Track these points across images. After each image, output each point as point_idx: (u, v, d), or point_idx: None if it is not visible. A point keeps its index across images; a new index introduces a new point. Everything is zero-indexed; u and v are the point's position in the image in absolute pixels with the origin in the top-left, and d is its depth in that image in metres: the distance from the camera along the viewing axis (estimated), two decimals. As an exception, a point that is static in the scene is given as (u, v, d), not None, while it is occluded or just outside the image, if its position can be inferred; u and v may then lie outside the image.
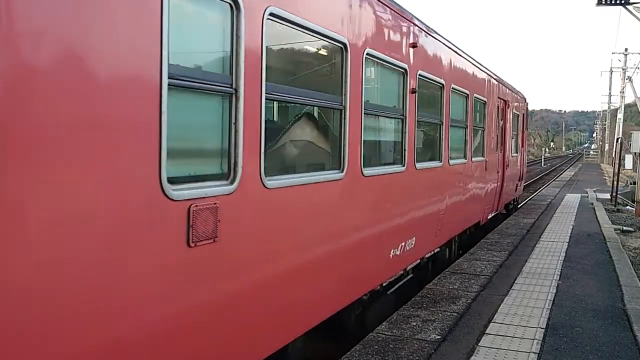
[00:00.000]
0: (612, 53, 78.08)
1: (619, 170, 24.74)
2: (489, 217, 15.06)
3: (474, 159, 12.34)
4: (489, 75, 14.00)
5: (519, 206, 21.48)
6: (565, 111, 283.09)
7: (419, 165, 8.42)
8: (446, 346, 6.36)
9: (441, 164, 9.75)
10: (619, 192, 24.01)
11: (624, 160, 30.61)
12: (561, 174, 46.82)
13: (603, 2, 23.58)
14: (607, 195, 25.24)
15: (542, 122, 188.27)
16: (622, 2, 23.50)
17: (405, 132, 7.88)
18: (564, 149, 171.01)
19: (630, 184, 29.25)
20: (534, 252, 11.80)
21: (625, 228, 16.52)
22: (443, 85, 9.60)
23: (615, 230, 15.58)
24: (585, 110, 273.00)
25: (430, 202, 9.32)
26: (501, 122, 15.60)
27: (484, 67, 13.37)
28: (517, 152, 18.73)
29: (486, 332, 6.82)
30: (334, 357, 6.46)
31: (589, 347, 6.47)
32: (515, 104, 18.11)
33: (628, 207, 22.82)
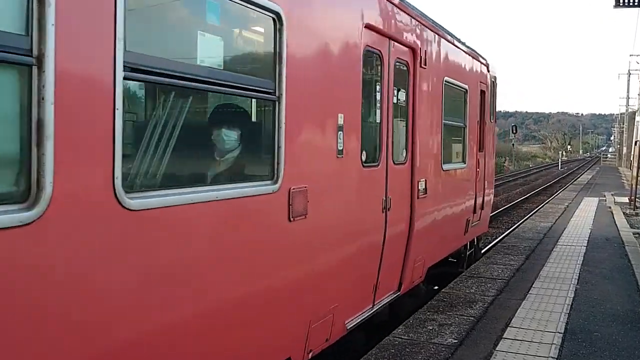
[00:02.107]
0: (630, 55, 77.42)
1: (637, 173, 24.45)
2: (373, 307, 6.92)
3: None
4: None
5: (482, 251, 13.36)
6: (582, 114, 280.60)
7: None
8: (463, 350, 6.32)
9: None
10: (637, 196, 23.72)
11: (643, 163, 30.19)
12: (578, 178, 46.40)
13: (621, 4, 23.35)
14: (626, 199, 24.95)
15: (558, 125, 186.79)
16: (641, 3, 23.25)
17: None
18: (581, 152, 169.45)
19: (649, 187, 28.88)
20: (551, 256, 11.70)
21: (644, 232, 16.31)
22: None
23: (634, 234, 15.39)
24: (603, 113, 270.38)
25: None
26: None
27: None
28: (464, 162, 10.15)
29: (503, 336, 6.77)
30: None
31: (608, 352, 6.40)
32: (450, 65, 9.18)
33: (647, 210, 22.52)
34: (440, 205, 8.76)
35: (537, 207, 24.47)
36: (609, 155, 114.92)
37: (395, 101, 7.00)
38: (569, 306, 8.08)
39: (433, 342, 6.50)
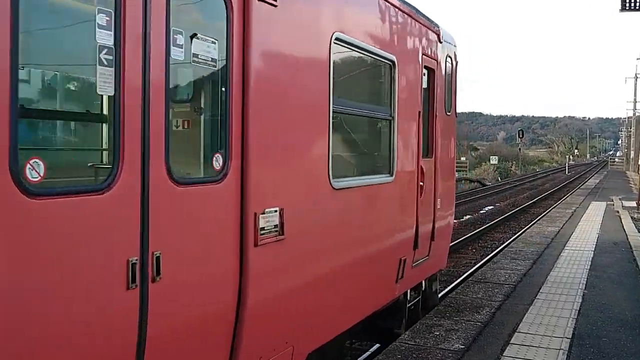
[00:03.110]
0: (637, 59, 76.96)
1: (645, 177, 24.31)
2: None
3: None
4: None
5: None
6: (589, 118, 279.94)
7: None
8: (470, 356, 6.30)
9: None
10: (645, 200, 23.58)
11: (651, 167, 30.06)
12: (586, 182, 46.20)
13: (627, 8, 23.28)
14: (634, 203, 24.81)
15: (565, 129, 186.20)
16: (647, 7, 23.18)
17: None
18: (588, 156, 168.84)
19: (657, 191, 28.71)
20: (558, 261, 11.64)
21: (652, 236, 16.21)
22: None
23: (642, 238, 15.30)
24: (610, 117, 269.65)
25: None
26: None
27: None
28: (390, 174, 6.74)
29: (511, 342, 6.74)
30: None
31: (616, 357, 6.36)
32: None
33: (655, 215, 22.39)
34: (326, 249, 5.30)
35: (544, 211, 24.37)
36: (616, 160, 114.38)
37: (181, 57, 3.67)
38: (577, 311, 8.03)
39: (440, 348, 6.48)
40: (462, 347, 6.54)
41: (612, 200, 26.78)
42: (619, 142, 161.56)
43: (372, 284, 6.45)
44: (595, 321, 7.61)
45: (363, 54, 5.99)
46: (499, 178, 62.24)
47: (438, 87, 8.17)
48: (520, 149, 72.96)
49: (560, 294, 8.95)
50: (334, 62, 5.18)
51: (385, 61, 6.45)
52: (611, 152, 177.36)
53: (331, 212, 5.35)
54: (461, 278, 13.09)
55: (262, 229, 4.26)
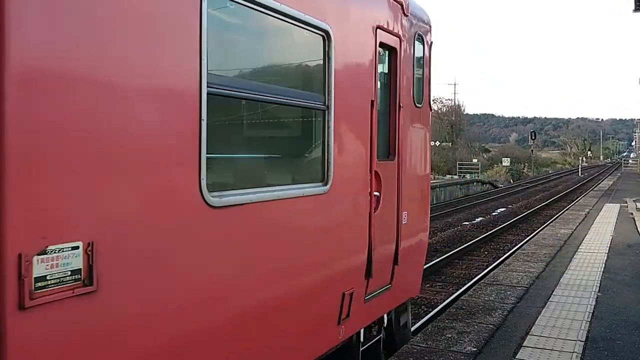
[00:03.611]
0: (651, 59, 76.28)
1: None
2: None
3: None
4: None
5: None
6: (602, 119, 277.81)
7: None
8: (482, 359, 6.26)
9: None
10: (660, 202, 23.37)
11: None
12: (599, 184, 45.85)
13: (640, 8, 23.08)
14: (648, 205, 24.59)
15: (578, 131, 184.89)
16: (661, 7, 22.98)
17: None
18: (601, 158, 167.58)
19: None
20: (572, 263, 11.55)
21: (667, 238, 16.05)
22: None
23: (656, 240, 15.16)
24: (624, 118, 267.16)
25: None
26: None
27: None
28: (324, 182, 5.00)
29: (523, 344, 6.69)
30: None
31: (631, 361, 6.30)
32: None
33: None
34: (195, 298, 3.59)
35: (557, 213, 24.20)
36: (630, 161, 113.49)
37: None
38: (591, 314, 7.96)
39: (452, 350, 6.44)
40: (474, 349, 6.50)
41: (626, 202, 26.55)
42: (633, 143, 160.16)
43: (294, 334, 4.69)
44: (610, 324, 7.54)
45: (270, 15, 4.22)
46: (511, 180, 61.92)
47: (402, 71, 6.45)
48: (532, 150, 72.63)
49: (573, 297, 8.88)
50: (211, 22, 3.56)
51: (313, 31, 4.78)
52: (625, 154, 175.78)
53: (206, 240, 3.60)
54: (473, 280, 13.02)
55: (41, 279, 2.61)
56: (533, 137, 65.89)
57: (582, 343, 6.76)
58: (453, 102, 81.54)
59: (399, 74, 6.40)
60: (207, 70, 3.52)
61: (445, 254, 16.31)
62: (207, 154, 3.52)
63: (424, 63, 7.28)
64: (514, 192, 42.46)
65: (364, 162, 5.59)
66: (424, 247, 7.58)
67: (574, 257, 12.32)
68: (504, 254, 16.20)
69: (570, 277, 10.31)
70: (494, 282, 9.83)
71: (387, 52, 6.24)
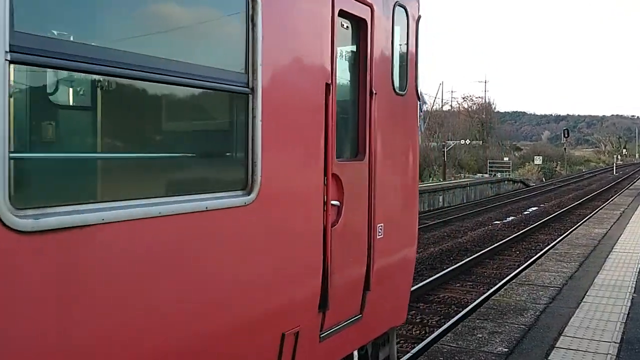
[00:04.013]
0: (689, 55, 74.32)
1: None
2: None
3: None
4: None
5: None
6: (638, 117, 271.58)
7: None
8: (513, 359, 6.19)
9: None
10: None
11: None
12: (634, 182, 44.85)
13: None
14: (686, 204, 23.98)
15: (613, 129, 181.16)
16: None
17: None
18: (637, 155, 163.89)
19: None
20: (606, 263, 11.33)
21: None
22: None
23: (695, 241, 14.77)
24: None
25: None
26: None
27: None
28: (246, 190, 3.73)
29: (556, 345, 6.59)
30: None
31: (668, 363, 6.15)
32: None
33: None
34: None
35: (590, 213, 23.75)
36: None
37: None
38: (626, 315, 7.80)
39: (483, 350, 6.38)
40: (506, 350, 6.42)
41: (663, 201, 25.93)
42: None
43: None
44: (645, 326, 7.38)
45: None
46: (544, 179, 61.02)
47: (375, 49, 5.13)
48: (565, 148, 71.40)
49: (608, 297, 8.71)
50: None
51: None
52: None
53: (16, 280, 2.45)
54: (504, 280, 12.86)
55: None
56: (566, 135, 64.70)
57: (617, 345, 6.63)
58: (483, 100, 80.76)
59: (370, 52, 5.07)
60: (11, 27, 2.37)
61: (476, 253, 16.15)
62: (11, 152, 2.37)
63: (408, 40, 5.86)
64: (546, 191, 41.84)
65: (314, 162, 4.36)
66: (410, 265, 6.14)
67: (609, 257, 12.08)
68: (536, 254, 15.97)
69: (605, 277, 10.11)
70: (526, 282, 9.69)
71: (353, 24, 4.97)
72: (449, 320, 9.96)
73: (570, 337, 6.88)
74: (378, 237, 5.20)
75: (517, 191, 45.16)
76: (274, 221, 3.96)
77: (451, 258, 15.98)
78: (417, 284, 11.97)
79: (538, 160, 68.52)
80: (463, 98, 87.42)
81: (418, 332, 9.80)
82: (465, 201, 36.76)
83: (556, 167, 72.83)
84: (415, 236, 6.23)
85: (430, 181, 43.32)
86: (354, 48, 5.06)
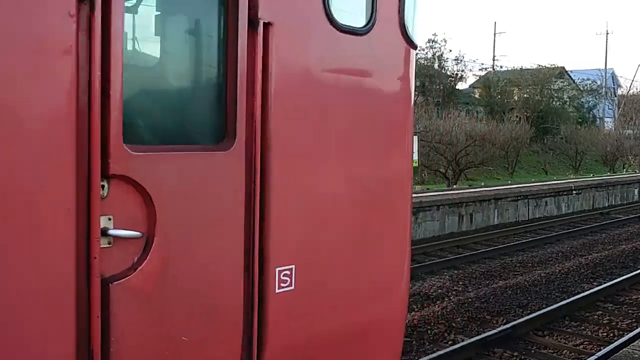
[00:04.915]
0: None
1: None
2: None
3: None
4: None
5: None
6: None
7: None
8: None
9: None
10: None
11: None
12: None
13: None
14: None
15: None
16: None
17: None
18: None
19: None
20: None
21: None
22: None
23: None
24: None
25: None
26: None
27: None
28: None
29: None
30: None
31: None
32: None
33: None
34: None
35: None
36: None
37: None
38: None
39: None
40: None
41: None
42: None
43: None
44: None
45: None
46: None
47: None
48: None
49: None
50: None
51: None
52: None
53: None
54: None
55: None
56: None
57: None
58: (692, 82, 71.69)
59: None
60: None
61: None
62: None
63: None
64: None
65: (50, 154, 2.21)
66: (388, 334, 3.71)
67: None
68: None
69: None
70: None
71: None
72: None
73: None
74: (279, 290, 2.96)
75: None
76: None
77: (647, 256, 14.54)
78: (606, 283, 11.09)
79: None
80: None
81: (605, 334, 9.07)
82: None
83: None
84: (400, 280, 3.77)
85: (624, 172, 39.68)
86: None
